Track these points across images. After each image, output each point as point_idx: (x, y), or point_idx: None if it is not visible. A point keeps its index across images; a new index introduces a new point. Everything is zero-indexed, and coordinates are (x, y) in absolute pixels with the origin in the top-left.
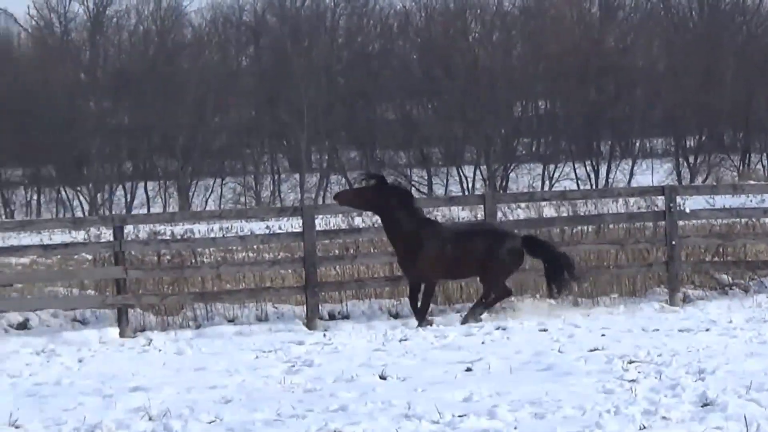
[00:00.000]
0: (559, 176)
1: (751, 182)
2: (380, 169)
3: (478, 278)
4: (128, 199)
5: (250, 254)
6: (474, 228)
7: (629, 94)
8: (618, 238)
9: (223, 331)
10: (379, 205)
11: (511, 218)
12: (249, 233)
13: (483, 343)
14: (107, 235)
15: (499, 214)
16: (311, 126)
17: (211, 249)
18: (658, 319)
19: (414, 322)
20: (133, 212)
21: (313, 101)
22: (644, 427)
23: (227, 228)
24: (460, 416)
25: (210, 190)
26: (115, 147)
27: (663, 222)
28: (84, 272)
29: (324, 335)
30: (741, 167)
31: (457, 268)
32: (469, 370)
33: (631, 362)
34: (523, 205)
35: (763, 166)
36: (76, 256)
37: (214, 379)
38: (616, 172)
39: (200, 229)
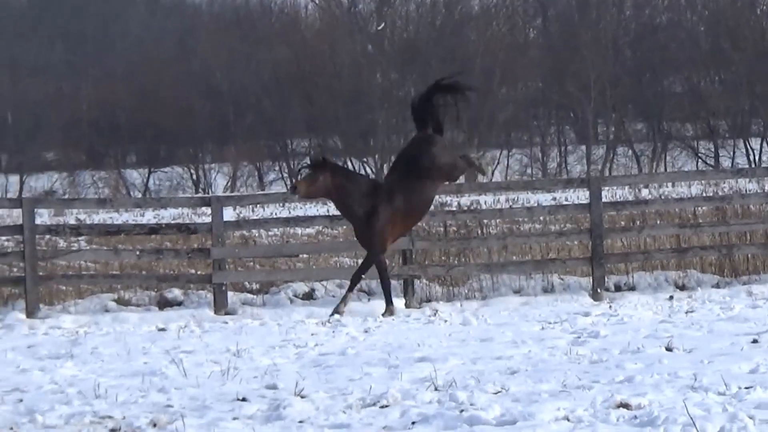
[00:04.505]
0: None
1: None
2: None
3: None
4: None
5: (536, 226)
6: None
7: None
8: None
9: (509, 302)
10: (336, 186)
11: None
12: (536, 204)
13: None
14: None
15: None
16: (598, 98)
17: (497, 220)
18: None
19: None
20: None
21: (601, 73)
22: None
23: (513, 199)
24: (746, 388)
25: (496, 161)
26: (401, 118)
27: None
28: None
29: (610, 307)
30: None
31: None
32: (755, 341)
33: None
34: None
35: None
36: None
37: (500, 350)
38: None
39: (486, 200)
